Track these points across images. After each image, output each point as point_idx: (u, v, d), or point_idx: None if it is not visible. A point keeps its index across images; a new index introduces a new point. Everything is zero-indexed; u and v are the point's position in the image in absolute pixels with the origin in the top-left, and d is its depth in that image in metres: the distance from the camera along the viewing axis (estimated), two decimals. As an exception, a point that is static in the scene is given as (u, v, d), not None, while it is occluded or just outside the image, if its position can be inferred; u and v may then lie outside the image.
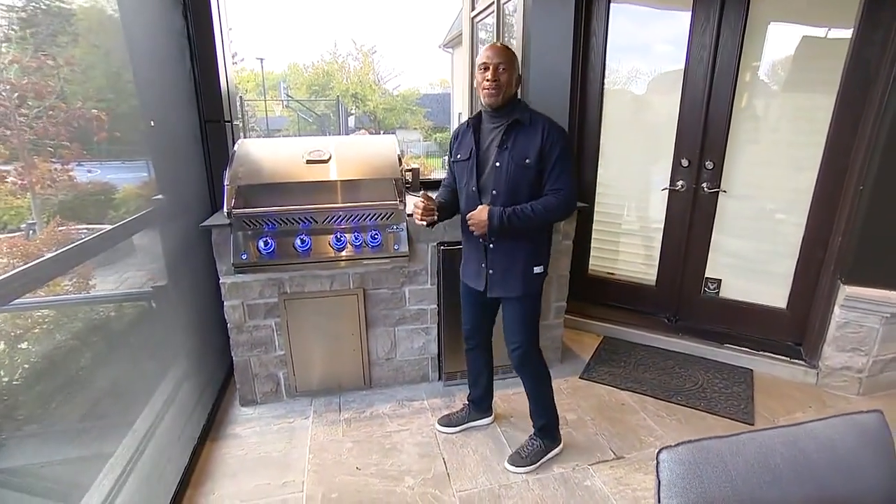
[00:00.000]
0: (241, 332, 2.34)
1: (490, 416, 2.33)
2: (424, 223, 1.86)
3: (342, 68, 24.12)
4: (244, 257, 2.18)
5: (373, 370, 2.57)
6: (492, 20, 4.28)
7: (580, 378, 2.70)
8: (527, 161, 1.73)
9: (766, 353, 2.73)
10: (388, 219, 2.33)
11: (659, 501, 1.02)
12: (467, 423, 2.28)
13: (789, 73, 2.58)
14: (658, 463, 1.03)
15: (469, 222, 1.82)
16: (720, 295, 2.90)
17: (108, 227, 1.62)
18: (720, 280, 2.89)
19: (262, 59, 18.34)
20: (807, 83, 2.55)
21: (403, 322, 2.53)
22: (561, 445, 2.12)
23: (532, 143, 1.73)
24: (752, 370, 2.70)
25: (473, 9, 4.45)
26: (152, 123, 2.04)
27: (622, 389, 2.56)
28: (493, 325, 2.13)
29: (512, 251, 1.83)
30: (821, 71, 2.48)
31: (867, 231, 2.34)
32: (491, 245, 1.84)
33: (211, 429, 2.27)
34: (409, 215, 2.16)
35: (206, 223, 2.19)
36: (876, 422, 1.15)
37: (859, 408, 2.42)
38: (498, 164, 1.77)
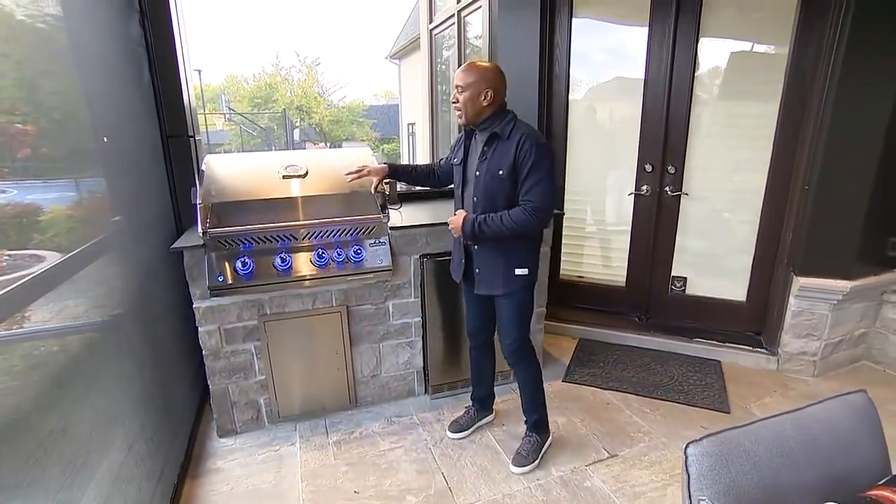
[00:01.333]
0: (218, 358, 2.21)
1: (492, 413, 2.42)
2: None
3: (285, 80, 23.58)
4: (220, 279, 2.07)
5: (358, 389, 2.50)
6: (450, 32, 4.35)
7: (563, 381, 2.75)
8: (500, 173, 1.83)
9: (730, 345, 2.91)
10: (370, 233, 2.29)
11: (689, 496, 1.06)
12: (476, 423, 2.35)
13: (737, 83, 2.79)
14: (686, 458, 1.07)
15: (449, 226, 2.00)
16: (686, 292, 3.07)
17: (57, 255, 1.44)
18: (686, 278, 3.06)
19: (199, 71, 17.50)
20: (753, 93, 2.77)
21: (388, 337, 2.48)
22: (551, 437, 2.22)
23: (506, 156, 1.81)
24: (719, 361, 2.86)
25: (431, 21, 4.51)
26: (105, 139, 1.89)
27: (605, 389, 2.63)
28: (495, 324, 2.18)
29: (494, 253, 1.94)
30: (765, 82, 2.70)
31: (814, 226, 2.57)
32: (475, 247, 1.97)
33: (189, 465, 2.11)
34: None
35: (176, 245, 2.05)
36: (863, 400, 1.25)
37: (817, 388, 2.64)
38: (478, 173, 1.90)
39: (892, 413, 1.23)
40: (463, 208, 1.98)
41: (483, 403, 2.38)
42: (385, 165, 2.23)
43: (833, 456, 1.14)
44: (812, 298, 2.62)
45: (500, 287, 1.95)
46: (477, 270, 2.00)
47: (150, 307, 2.06)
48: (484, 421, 2.39)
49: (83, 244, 1.56)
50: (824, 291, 2.58)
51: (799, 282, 2.61)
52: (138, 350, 1.88)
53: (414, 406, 2.54)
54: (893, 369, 2.81)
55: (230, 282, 2.09)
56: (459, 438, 2.29)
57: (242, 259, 2.09)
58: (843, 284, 2.55)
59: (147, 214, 2.17)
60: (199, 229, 2.00)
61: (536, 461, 2.10)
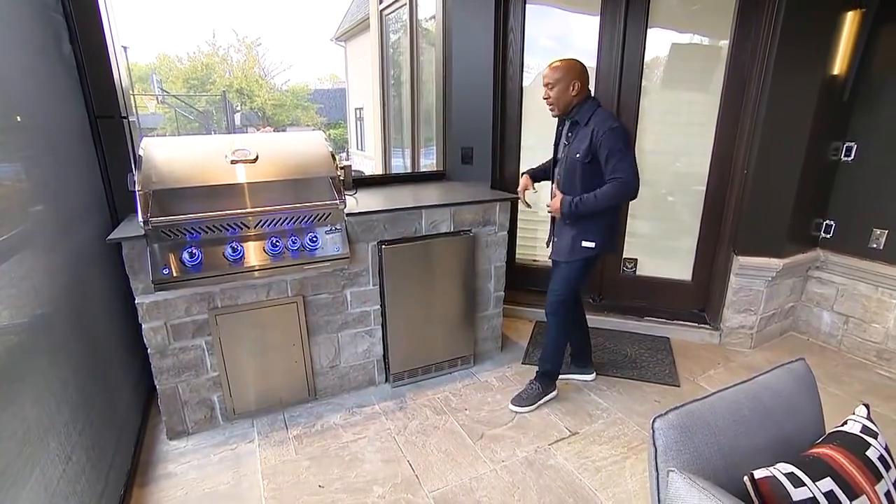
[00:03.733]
0: (165, 356, 2.07)
1: (591, 372, 2.62)
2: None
3: (224, 61, 22.26)
4: (165, 272, 1.93)
5: (317, 380, 2.43)
6: (400, 15, 4.24)
7: (522, 364, 2.80)
8: (577, 156, 2.09)
9: (678, 322, 3.08)
10: (326, 220, 2.21)
11: (656, 467, 1.10)
12: (567, 374, 2.59)
13: (683, 73, 2.91)
14: (653, 431, 1.11)
15: (548, 209, 2.27)
16: (637, 273, 3.21)
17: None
18: (636, 260, 3.19)
19: (125, 48, 16.15)
20: (696, 82, 2.90)
21: (346, 326, 2.42)
22: (556, 392, 2.46)
23: (582, 143, 2.07)
24: (668, 338, 3.02)
25: (381, 1, 4.37)
26: (19, 119, 1.69)
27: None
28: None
29: (573, 226, 2.20)
30: (708, 72, 2.83)
31: (752, 208, 2.74)
32: (566, 222, 2.23)
33: (136, 472, 1.97)
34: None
35: (113, 236, 1.88)
36: (803, 367, 1.35)
37: (754, 359, 2.85)
38: (562, 155, 2.21)
39: (816, 377, 1.34)
40: (553, 184, 2.30)
41: (575, 359, 2.59)
42: (527, 175, 2.44)
43: (781, 419, 1.22)
44: (750, 276, 2.81)
45: (564, 255, 2.24)
46: (555, 239, 2.31)
47: (86, 304, 1.89)
48: (578, 377, 2.60)
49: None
50: (761, 269, 2.77)
51: (739, 261, 2.78)
52: (74, 351, 1.72)
53: (375, 395, 2.50)
54: (815, 338, 3.08)
55: (177, 274, 1.95)
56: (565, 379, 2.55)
57: (189, 250, 1.96)
58: (777, 262, 2.75)
59: (76, 203, 1.97)
60: (140, 219, 1.85)
61: (533, 406, 2.36)
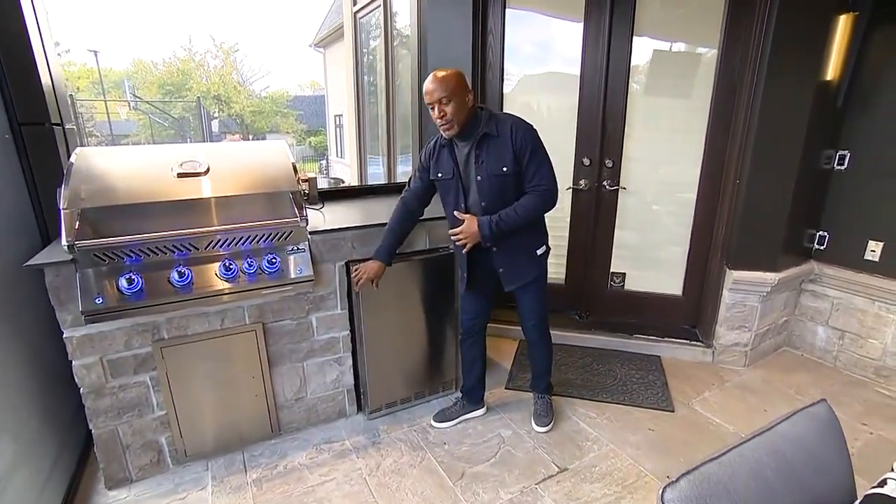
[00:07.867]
0: (102, 395, 1.82)
1: (483, 407, 2.39)
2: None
3: (200, 67, 21.77)
4: (99, 301, 1.68)
5: (280, 414, 2.20)
6: (376, 20, 4.06)
7: (506, 388, 2.61)
8: (504, 169, 1.82)
9: (669, 339, 2.91)
10: (286, 238, 1.99)
11: (667, 546, 0.91)
12: (462, 415, 2.33)
13: (671, 79, 2.76)
14: (662, 504, 0.92)
15: (458, 239, 1.92)
16: (625, 287, 3.05)
17: None
18: (624, 273, 3.03)
19: (96, 52, 15.60)
20: (686, 89, 2.76)
21: (312, 355, 2.20)
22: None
23: (505, 153, 1.81)
24: (659, 356, 2.86)
25: (355, 3, 4.18)
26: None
27: (549, 394, 2.52)
28: (489, 316, 2.26)
29: (514, 248, 1.96)
30: (697, 79, 2.70)
31: (745, 221, 2.60)
32: (494, 249, 1.95)
33: (65, 531, 1.72)
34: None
35: (34, 261, 1.64)
36: (826, 412, 1.18)
37: (749, 378, 2.69)
38: (479, 178, 1.86)
39: (813, 397, 1.18)
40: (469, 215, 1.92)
41: (471, 396, 2.35)
42: (380, 263, 2.03)
43: (808, 479, 1.05)
44: (744, 291, 2.67)
45: (530, 274, 2.01)
46: (501, 270, 1.99)
47: (8, 336, 1.64)
48: (473, 414, 2.36)
49: None
50: (755, 284, 2.63)
51: (732, 275, 2.64)
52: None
53: (346, 429, 2.28)
54: (811, 354, 2.96)
55: (113, 304, 1.71)
56: (444, 428, 2.28)
57: (128, 276, 1.72)
58: (772, 276, 2.61)
59: (-4, 222, 1.72)
60: (64, 241, 1.60)
61: (553, 418, 2.28)
